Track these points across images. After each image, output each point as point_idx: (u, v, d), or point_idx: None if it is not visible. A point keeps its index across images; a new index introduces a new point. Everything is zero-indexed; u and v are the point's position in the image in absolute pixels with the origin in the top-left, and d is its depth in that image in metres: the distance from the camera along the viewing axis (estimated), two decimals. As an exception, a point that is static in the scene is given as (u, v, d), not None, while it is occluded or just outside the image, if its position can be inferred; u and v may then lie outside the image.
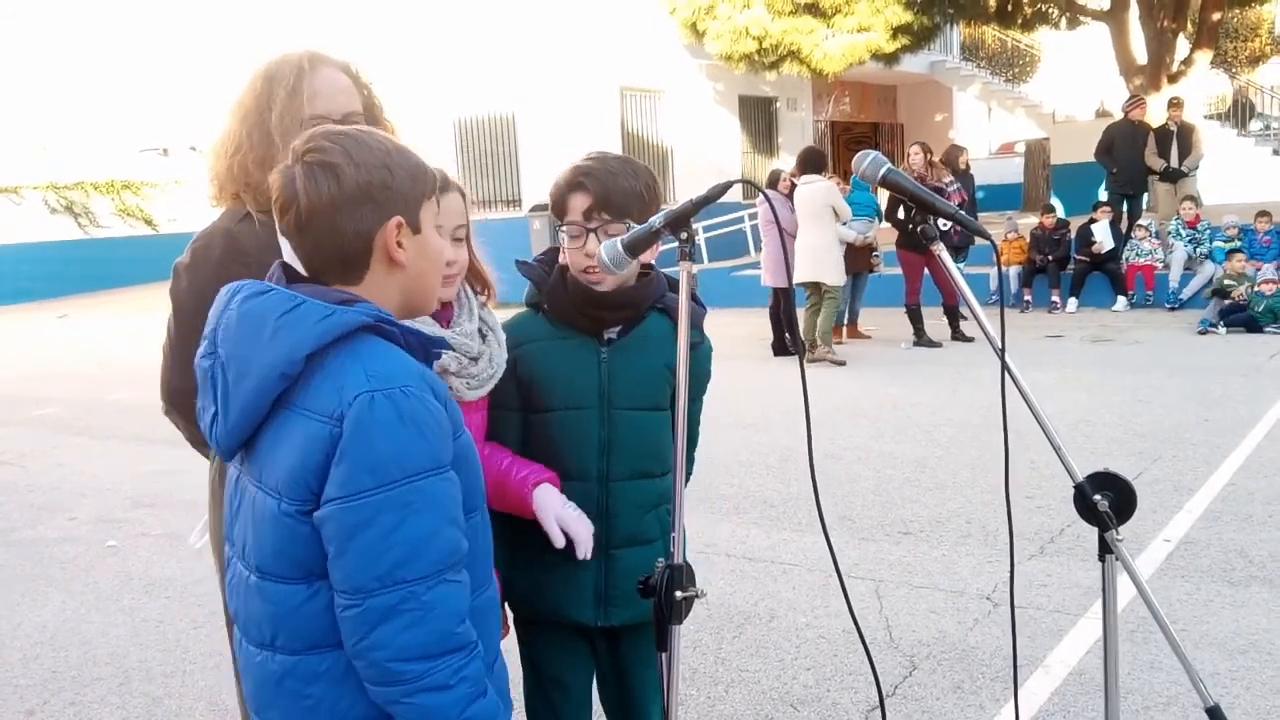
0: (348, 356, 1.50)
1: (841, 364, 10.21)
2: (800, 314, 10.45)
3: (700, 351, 2.30)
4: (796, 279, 10.40)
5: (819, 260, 10.18)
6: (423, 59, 17.72)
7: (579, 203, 2.19)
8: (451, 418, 1.55)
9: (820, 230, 10.09)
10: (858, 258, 11.35)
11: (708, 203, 1.98)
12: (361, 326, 1.51)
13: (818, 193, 9.98)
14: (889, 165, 2.14)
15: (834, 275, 10.21)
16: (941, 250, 2.11)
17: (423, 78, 17.86)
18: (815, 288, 10.32)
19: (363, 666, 1.49)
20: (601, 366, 2.23)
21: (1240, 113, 25.08)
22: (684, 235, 1.94)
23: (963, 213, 2.17)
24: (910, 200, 2.14)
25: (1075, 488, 2.07)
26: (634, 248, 1.99)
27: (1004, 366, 2.05)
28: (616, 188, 2.18)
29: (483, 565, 1.65)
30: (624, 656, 2.38)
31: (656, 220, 1.96)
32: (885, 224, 11.41)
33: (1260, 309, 10.73)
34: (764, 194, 2.15)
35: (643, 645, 2.28)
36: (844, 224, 10.65)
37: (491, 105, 18.06)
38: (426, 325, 1.89)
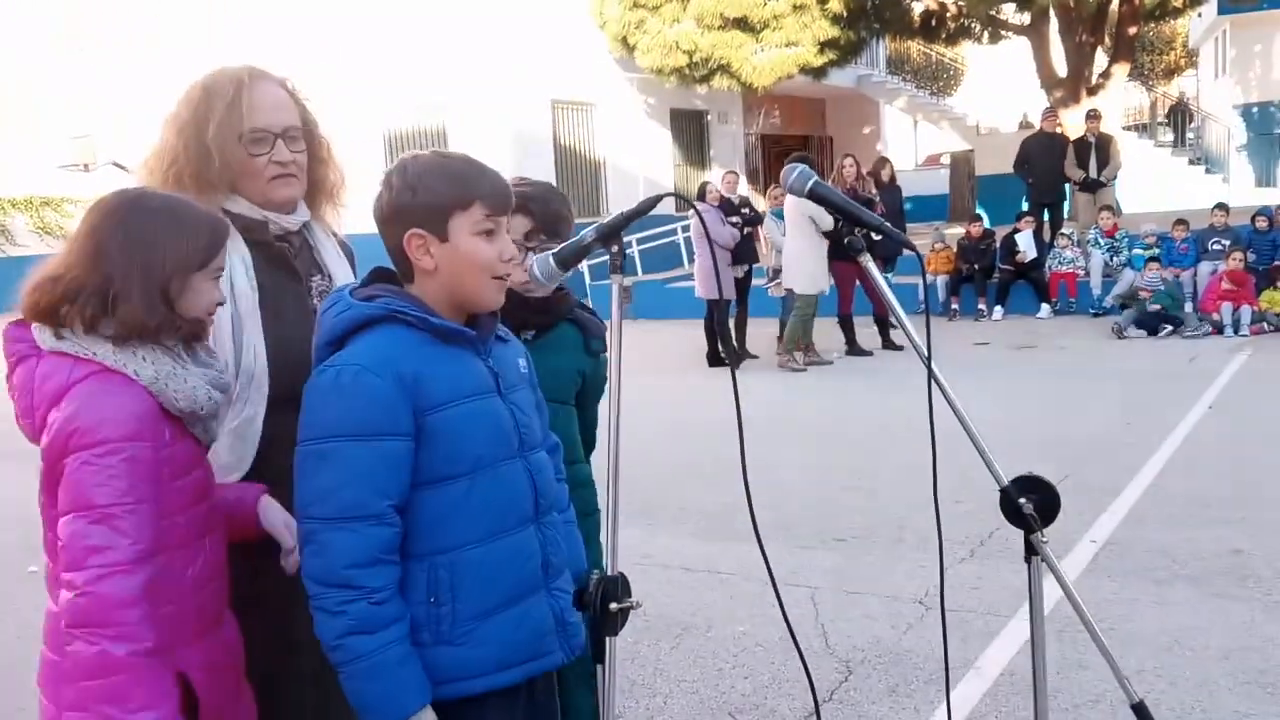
0: (355, 341, 1.84)
1: (803, 370, 10.36)
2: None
3: (601, 360, 2.57)
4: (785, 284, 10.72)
5: (788, 268, 10.43)
6: (352, 71, 17.53)
7: (520, 224, 2.37)
8: (427, 396, 1.82)
9: (795, 239, 10.24)
10: None
11: (638, 216, 2.00)
12: (373, 319, 1.84)
13: (797, 202, 10.07)
14: (816, 178, 2.17)
15: (803, 284, 10.32)
16: (868, 261, 2.14)
17: (352, 90, 17.67)
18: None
19: None
20: None
21: (1178, 121, 25.83)
22: (615, 248, 1.96)
23: (889, 224, 2.21)
24: (837, 213, 2.18)
25: (1000, 491, 2.11)
26: (566, 262, 2.00)
27: (930, 374, 2.09)
28: (555, 213, 2.43)
29: (474, 524, 1.86)
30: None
31: (588, 234, 1.98)
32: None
33: (1158, 306, 11.24)
34: (694, 207, 2.17)
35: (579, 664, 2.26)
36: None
37: (421, 118, 17.95)
38: (189, 372, 1.90)
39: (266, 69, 2.24)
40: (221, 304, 1.97)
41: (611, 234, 1.97)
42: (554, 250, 2.00)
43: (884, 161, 12.61)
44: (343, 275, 2.32)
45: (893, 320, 11.36)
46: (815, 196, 2.17)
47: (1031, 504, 2.08)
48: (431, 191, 1.86)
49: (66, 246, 1.88)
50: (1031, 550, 2.11)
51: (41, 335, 1.84)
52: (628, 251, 2.08)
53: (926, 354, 2.07)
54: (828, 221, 10.27)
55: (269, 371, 2.14)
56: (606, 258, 1.96)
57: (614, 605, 1.87)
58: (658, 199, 2.09)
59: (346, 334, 1.86)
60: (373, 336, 1.84)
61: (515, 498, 1.92)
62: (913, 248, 2.21)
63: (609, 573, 1.90)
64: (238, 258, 2.13)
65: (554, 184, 2.52)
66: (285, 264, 2.24)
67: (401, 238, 1.88)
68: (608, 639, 1.89)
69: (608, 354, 2.51)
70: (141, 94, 17.00)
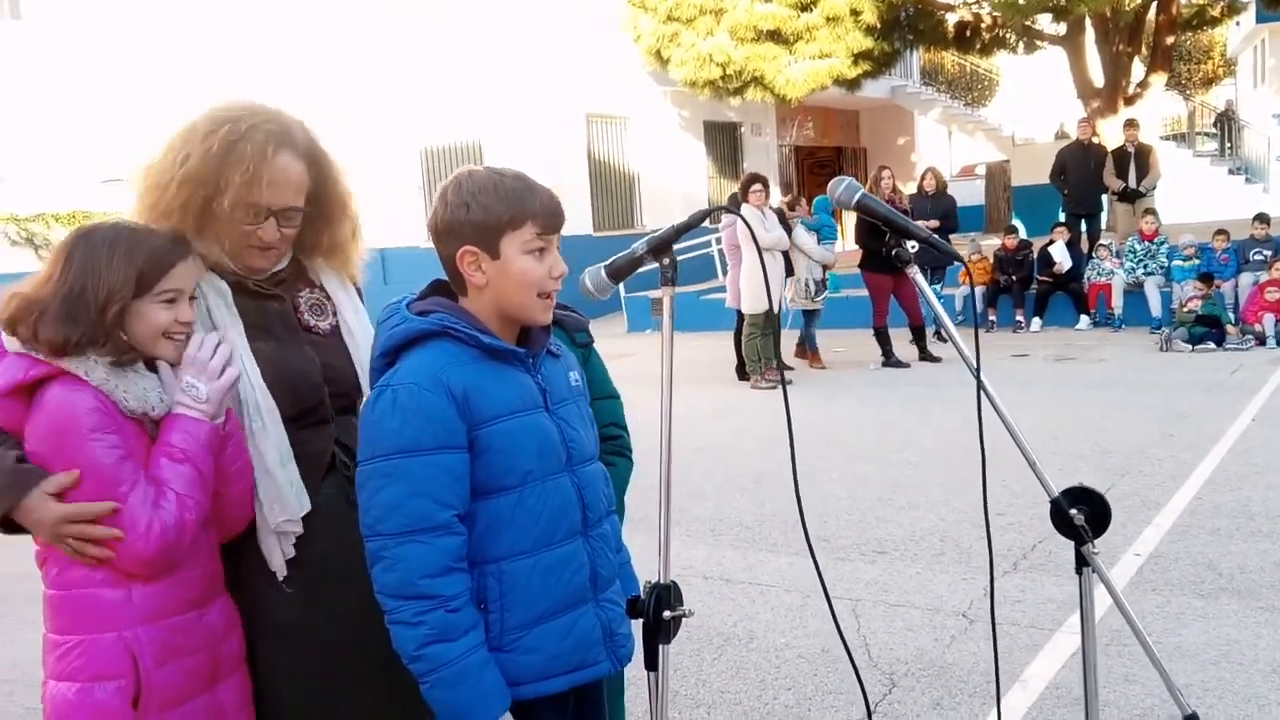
0: (407, 355, 1.91)
1: (772, 388, 10.30)
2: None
3: (592, 352, 2.48)
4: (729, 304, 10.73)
5: (733, 288, 10.58)
6: (389, 89, 17.73)
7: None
8: (476, 411, 1.87)
9: (746, 259, 10.29)
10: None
11: (689, 229, 2.02)
12: (424, 334, 1.90)
13: (740, 221, 10.15)
14: (863, 190, 2.19)
15: (747, 303, 10.34)
16: (916, 273, 2.15)
17: (389, 108, 17.87)
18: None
19: None
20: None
21: (1224, 129, 25.61)
22: (666, 261, 1.98)
23: (935, 236, 2.22)
24: (884, 224, 2.19)
25: (1051, 502, 2.11)
26: (618, 273, 2.03)
27: (979, 385, 2.09)
28: None
29: (523, 535, 1.91)
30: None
31: (639, 247, 2.00)
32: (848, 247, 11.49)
33: (1194, 322, 11.10)
34: (741, 218, 2.19)
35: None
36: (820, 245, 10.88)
37: (458, 134, 18.09)
38: (140, 375, 1.96)
39: (291, 128, 2.13)
40: (186, 324, 1.98)
41: (663, 247, 1.99)
42: (606, 263, 2.02)
43: (926, 172, 12.62)
44: (339, 289, 2.28)
45: (941, 332, 11.46)
46: (862, 209, 2.19)
47: (1083, 515, 2.08)
48: (485, 209, 1.91)
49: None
50: (1083, 562, 2.11)
51: (8, 341, 1.95)
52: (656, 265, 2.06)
53: (975, 366, 2.08)
54: (768, 239, 10.10)
55: (274, 393, 2.08)
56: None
57: (667, 613, 1.89)
58: (708, 212, 2.12)
59: (400, 347, 1.92)
60: (425, 352, 1.90)
61: (564, 511, 1.96)
62: (960, 259, 2.22)
63: (661, 581, 1.92)
64: (212, 290, 2.07)
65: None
66: (262, 286, 2.18)
67: (455, 253, 1.93)
68: (660, 646, 1.91)
69: (595, 345, 2.51)
70: (175, 108, 17.24)
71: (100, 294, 1.91)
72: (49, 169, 22.74)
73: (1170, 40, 16.93)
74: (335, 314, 2.25)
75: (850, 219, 17.63)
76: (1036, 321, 13.10)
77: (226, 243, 2.10)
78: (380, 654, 2.14)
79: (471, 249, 1.92)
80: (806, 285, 11.08)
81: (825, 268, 11.40)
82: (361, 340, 2.24)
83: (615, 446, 2.42)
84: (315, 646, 2.12)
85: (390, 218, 17.26)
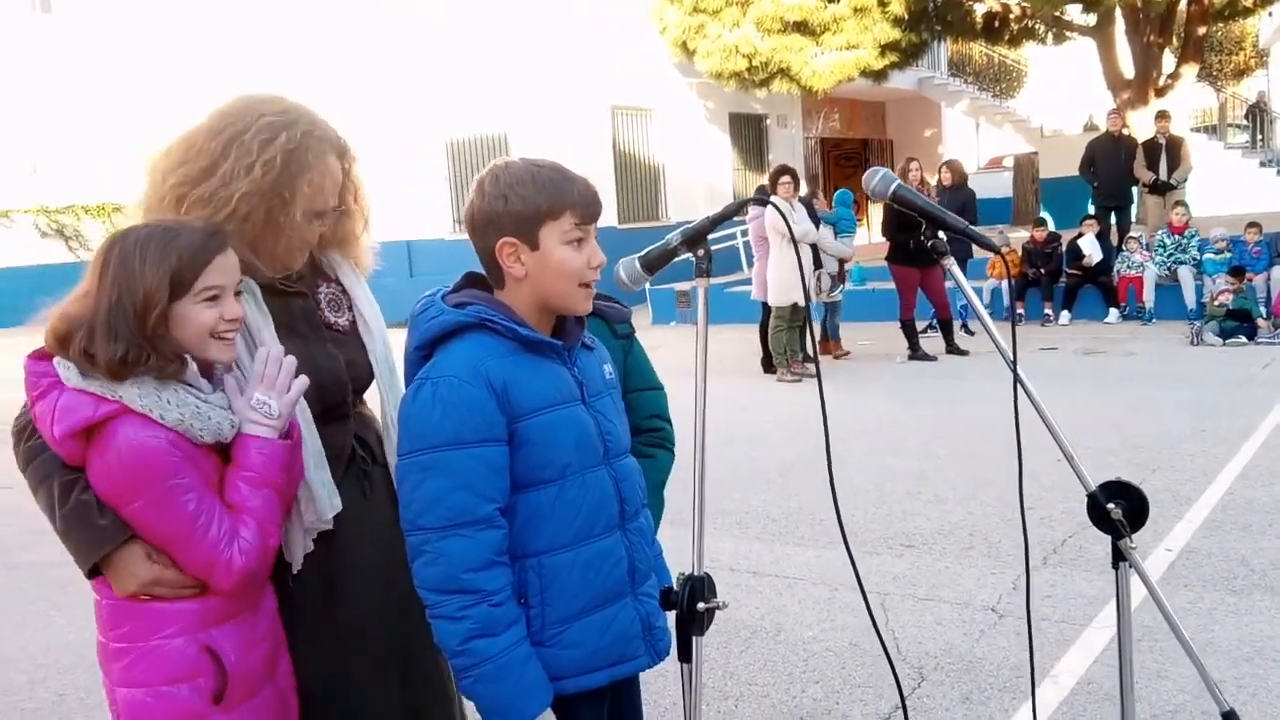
0: (445, 348, 1.90)
1: (797, 380, 10.33)
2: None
3: (633, 342, 2.49)
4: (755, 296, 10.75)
5: (759, 279, 10.56)
6: (415, 82, 17.77)
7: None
8: (514, 404, 1.86)
9: (773, 251, 10.28)
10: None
11: (723, 220, 2.02)
12: (462, 325, 1.89)
13: (770, 214, 10.11)
14: (899, 182, 2.18)
15: (773, 296, 10.34)
16: (953, 265, 2.14)
17: (415, 101, 17.91)
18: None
19: None
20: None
21: (1256, 120, 25.33)
22: (700, 252, 1.97)
23: (973, 227, 2.20)
24: (920, 216, 2.17)
25: (1089, 496, 2.09)
26: (651, 265, 2.02)
27: (1015, 378, 2.08)
28: None
29: (563, 529, 1.90)
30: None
31: (673, 238, 1.99)
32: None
33: (1225, 316, 11.00)
34: (776, 208, 2.18)
35: None
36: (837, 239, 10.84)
37: (483, 127, 18.10)
38: (211, 407, 1.89)
39: (324, 123, 2.11)
40: (233, 321, 1.91)
41: (697, 238, 1.98)
42: (640, 254, 2.02)
43: (943, 165, 12.56)
44: (355, 284, 2.27)
45: (972, 324, 11.42)
46: (899, 200, 2.17)
47: (1120, 509, 2.06)
48: (524, 200, 1.90)
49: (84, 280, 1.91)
50: (1119, 556, 2.09)
51: (67, 373, 1.84)
52: (687, 257, 2.03)
53: (1012, 359, 2.06)
54: (797, 231, 10.08)
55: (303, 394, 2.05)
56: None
57: (701, 605, 1.88)
58: (742, 204, 2.11)
59: (438, 339, 1.92)
60: (463, 344, 1.89)
61: (602, 504, 1.95)
62: (997, 250, 2.21)
63: (695, 573, 1.92)
64: (243, 289, 2.03)
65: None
66: (287, 284, 2.17)
67: (493, 245, 1.92)
68: (694, 638, 1.90)
69: (637, 336, 2.51)
70: (204, 101, 17.35)
71: (137, 301, 1.81)
72: (79, 161, 22.92)
73: (1202, 31, 16.73)
74: (352, 308, 2.25)
75: (873, 213, 17.51)
76: (1065, 314, 13.01)
77: (276, 245, 2.07)
78: (395, 645, 2.16)
79: (511, 240, 1.91)
80: (819, 280, 11.07)
81: (842, 262, 11.40)
82: (377, 333, 2.25)
83: (657, 439, 2.41)
84: (330, 639, 2.13)
85: (416, 210, 17.34)
